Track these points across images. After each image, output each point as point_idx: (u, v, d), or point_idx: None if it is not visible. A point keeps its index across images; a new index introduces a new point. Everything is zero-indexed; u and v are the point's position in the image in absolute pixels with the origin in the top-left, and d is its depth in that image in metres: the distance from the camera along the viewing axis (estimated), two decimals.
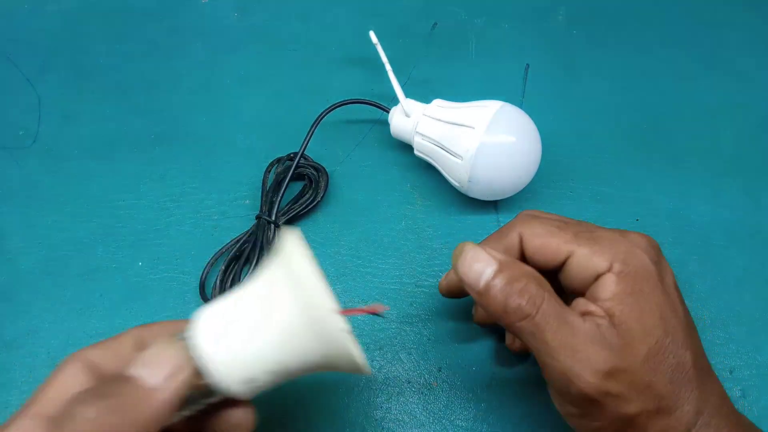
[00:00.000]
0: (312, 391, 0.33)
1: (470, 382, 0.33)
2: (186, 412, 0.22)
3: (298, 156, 0.39)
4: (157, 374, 0.20)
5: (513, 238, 0.28)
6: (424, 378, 0.33)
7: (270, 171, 0.40)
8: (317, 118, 0.40)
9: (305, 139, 0.39)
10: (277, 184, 0.39)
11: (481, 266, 0.25)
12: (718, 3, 0.54)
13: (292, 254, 0.22)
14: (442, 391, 0.33)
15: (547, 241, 0.27)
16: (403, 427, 0.32)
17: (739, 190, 0.42)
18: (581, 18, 0.52)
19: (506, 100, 0.37)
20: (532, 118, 0.37)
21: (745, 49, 0.50)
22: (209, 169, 0.42)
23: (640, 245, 0.26)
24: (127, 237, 0.39)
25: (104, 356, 0.22)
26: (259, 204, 0.39)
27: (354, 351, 0.21)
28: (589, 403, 0.24)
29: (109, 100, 0.47)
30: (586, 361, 0.23)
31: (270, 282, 0.22)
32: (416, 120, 0.39)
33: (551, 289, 0.25)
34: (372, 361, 0.34)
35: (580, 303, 0.25)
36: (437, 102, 0.39)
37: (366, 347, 0.34)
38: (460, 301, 0.35)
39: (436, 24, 0.51)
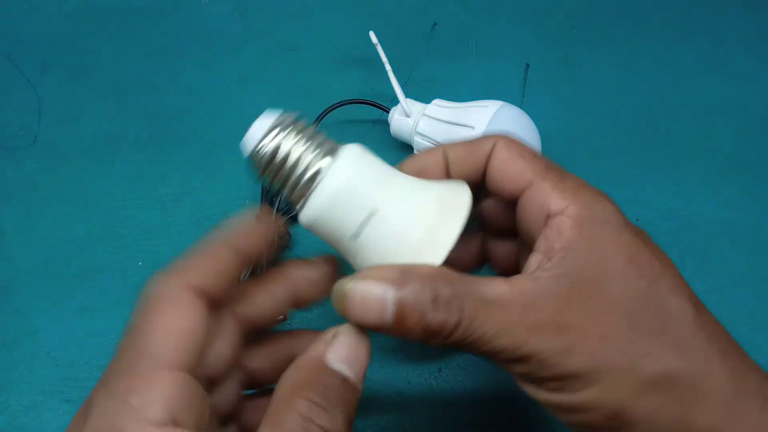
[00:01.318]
0: None
1: (470, 382, 0.33)
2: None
3: None
4: (360, 374, 0.20)
5: (485, 148, 0.24)
6: (424, 378, 0.33)
7: None
8: (317, 118, 0.40)
9: None
10: None
11: (377, 297, 0.19)
12: (718, 3, 0.54)
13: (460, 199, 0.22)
14: (442, 391, 0.33)
15: (513, 161, 0.23)
16: (401, 426, 0.32)
17: (739, 189, 0.42)
18: (581, 18, 0.52)
19: (506, 100, 0.37)
20: (532, 118, 0.37)
21: (744, 49, 0.50)
22: (209, 169, 0.42)
23: (605, 196, 0.22)
24: (127, 237, 0.39)
25: (211, 280, 0.21)
26: (259, 204, 0.39)
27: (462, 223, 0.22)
28: (558, 377, 0.20)
29: (109, 100, 0.47)
30: (532, 329, 0.19)
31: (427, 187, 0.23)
32: (416, 120, 0.39)
33: (461, 275, 0.20)
34: (372, 360, 0.34)
35: (528, 262, 0.21)
36: (437, 102, 0.39)
37: None
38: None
39: (436, 24, 0.51)
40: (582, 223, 0.21)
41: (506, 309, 0.20)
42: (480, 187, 0.25)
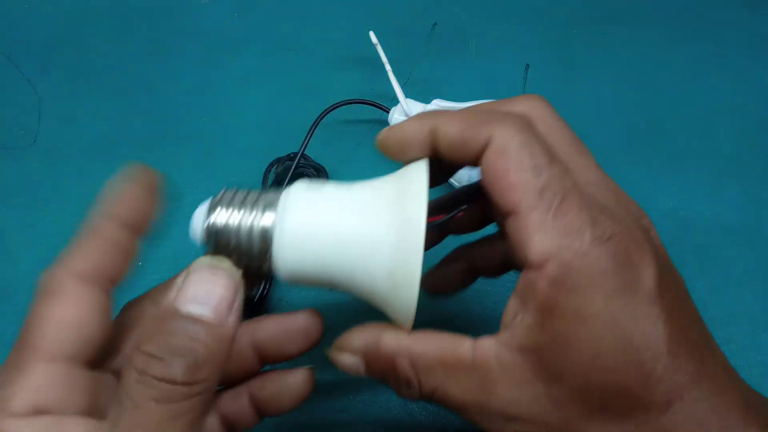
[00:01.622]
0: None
1: None
2: None
3: (298, 156, 0.39)
4: (222, 309, 0.18)
5: (484, 136, 0.20)
6: None
7: (270, 171, 0.40)
8: (317, 118, 0.40)
9: (305, 139, 0.39)
10: (278, 184, 0.39)
11: (351, 367, 0.23)
12: (718, 3, 0.54)
13: (413, 177, 0.21)
14: None
15: (505, 172, 0.19)
16: (402, 426, 0.32)
17: (739, 189, 0.42)
18: (581, 18, 0.52)
19: None
20: None
21: (745, 49, 0.50)
22: (209, 169, 0.42)
23: (617, 234, 0.19)
24: None
25: (100, 261, 0.20)
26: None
27: (416, 291, 0.20)
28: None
29: (110, 100, 0.47)
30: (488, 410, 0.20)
31: (378, 189, 0.22)
32: None
33: (421, 342, 0.21)
34: None
35: (509, 305, 0.20)
36: (437, 102, 0.39)
37: None
38: (457, 297, 0.35)
39: (436, 24, 0.51)
40: (554, 295, 0.18)
41: (469, 375, 0.20)
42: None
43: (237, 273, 0.19)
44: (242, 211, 0.21)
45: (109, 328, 0.20)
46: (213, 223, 0.21)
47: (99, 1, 0.53)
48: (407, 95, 0.40)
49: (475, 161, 0.20)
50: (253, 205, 0.22)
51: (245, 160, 0.42)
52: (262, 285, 0.35)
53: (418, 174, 0.21)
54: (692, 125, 0.45)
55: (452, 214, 0.23)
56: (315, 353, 0.25)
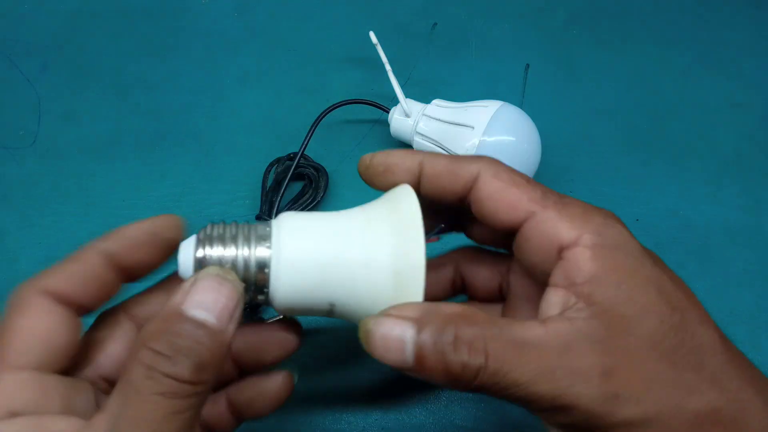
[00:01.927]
0: (311, 390, 0.33)
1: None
2: None
3: (298, 156, 0.39)
4: (224, 317, 0.19)
5: (469, 171, 0.22)
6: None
7: (270, 171, 0.40)
8: (317, 118, 0.40)
9: (305, 139, 0.39)
10: (277, 183, 0.39)
11: (396, 337, 0.19)
12: (718, 3, 0.54)
13: (402, 201, 0.22)
14: (442, 391, 0.33)
15: (507, 189, 0.21)
16: (402, 426, 0.32)
17: (739, 189, 0.42)
18: (581, 18, 0.52)
19: (506, 100, 0.37)
20: (532, 118, 0.37)
21: (744, 49, 0.50)
22: (209, 169, 0.42)
23: (614, 217, 0.21)
24: None
25: (71, 284, 0.20)
26: (259, 204, 0.39)
27: (422, 287, 0.21)
28: (606, 427, 0.19)
29: (109, 100, 0.47)
30: (575, 375, 0.18)
31: (370, 215, 0.22)
32: (416, 120, 0.39)
33: (485, 316, 0.20)
34: (372, 360, 0.34)
35: (549, 298, 0.20)
36: (437, 102, 0.39)
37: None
38: (458, 299, 0.35)
39: (436, 24, 0.51)
40: (601, 254, 0.20)
41: (543, 352, 0.19)
42: (454, 209, 0.24)
43: (241, 286, 0.20)
44: (235, 244, 0.21)
45: (78, 339, 0.21)
46: (207, 257, 0.21)
47: (99, 1, 0.53)
48: (407, 95, 0.40)
49: (459, 192, 0.22)
50: (246, 238, 0.21)
51: (245, 160, 0.42)
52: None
53: (405, 193, 0.22)
54: (692, 125, 0.45)
55: (432, 233, 0.24)
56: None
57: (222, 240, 0.21)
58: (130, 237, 0.22)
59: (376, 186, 0.24)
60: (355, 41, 0.49)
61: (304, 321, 0.36)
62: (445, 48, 0.50)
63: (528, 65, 0.48)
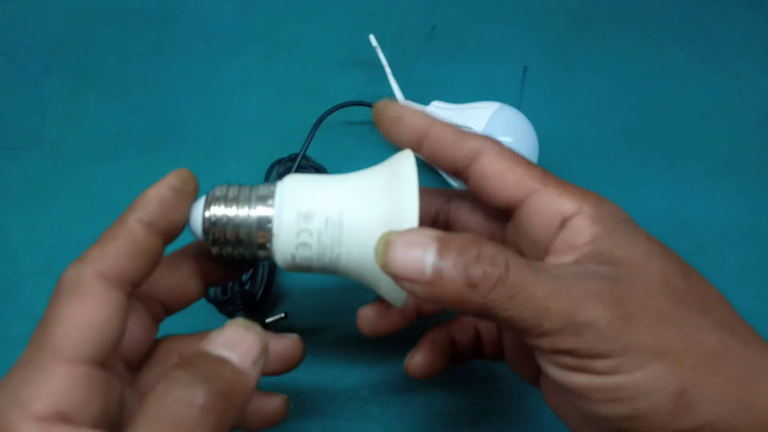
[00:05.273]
0: (311, 390, 0.33)
1: (468, 380, 0.34)
2: None
3: (300, 157, 0.39)
4: (247, 359, 0.19)
5: (471, 147, 0.23)
6: None
7: (272, 171, 0.40)
8: (318, 120, 0.40)
9: (306, 140, 0.40)
10: None
11: (419, 251, 0.19)
12: (716, 3, 0.54)
13: (401, 167, 0.23)
14: (441, 390, 0.33)
15: (511, 168, 0.22)
16: (402, 425, 0.32)
17: (736, 190, 0.42)
18: (578, 20, 0.53)
19: (504, 101, 0.38)
20: (530, 120, 0.38)
21: (741, 50, 0.51)
22: (211, 170, 0.43)
23: (608, 201, 0.22)
24: None
25: (125, 264, 0.20)
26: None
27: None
28: (616, 351, 0.18)
29: (112, 101, 0.47)
30: (589, 294, 0.19)
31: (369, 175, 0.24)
32: None
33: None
34: (371, 359, 0.34)
35: (551, 260, 0.21)
36: (436, 104, 0.40)
37: (365, 346, 0.35)
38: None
39: (435, 26, 0.52)
40: (601, 219, 0.21)
41: (558, 273, 0.19)
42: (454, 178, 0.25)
43: (265, 336, 0.20)
44: (239, 203, 0.23)
45: (126, 326, 0.20)
46: (212, 216, 0.23)
47: (102, 2, 0.54)
48: (407, 97, 0.40)
49: (458, 164, 0.23)
50: (249, 197, 0.23)
51: (247, 161, 0.43)
52: (262, 287, 0.36)
53: (404, 155, 0.23)
54: (688, 126, 0.46)
55: None
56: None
57: (228, 200, 0.23)
58: (159, 199, 0.21)
59: (382, 131, 0.25)
60: (356, 44, 0.49)
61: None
62: (444, 50, 0.51)
63: (526, 67, 0.49)
